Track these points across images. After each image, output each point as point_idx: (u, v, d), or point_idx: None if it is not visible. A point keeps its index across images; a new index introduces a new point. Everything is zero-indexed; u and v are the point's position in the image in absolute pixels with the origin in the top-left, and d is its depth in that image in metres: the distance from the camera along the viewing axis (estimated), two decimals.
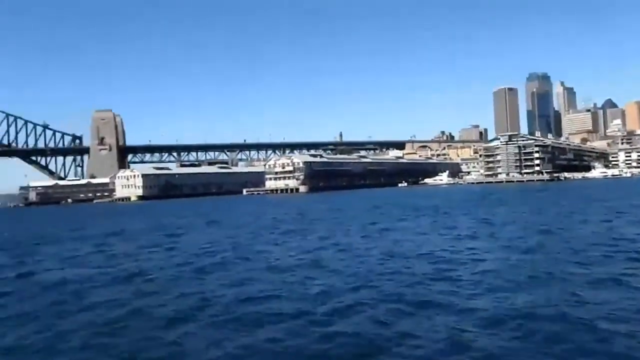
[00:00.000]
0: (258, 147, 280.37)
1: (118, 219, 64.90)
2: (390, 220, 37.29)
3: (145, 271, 18.80)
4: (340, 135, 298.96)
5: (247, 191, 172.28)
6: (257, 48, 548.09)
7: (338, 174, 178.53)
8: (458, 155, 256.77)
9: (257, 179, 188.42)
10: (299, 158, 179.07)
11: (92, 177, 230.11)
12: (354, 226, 33.46)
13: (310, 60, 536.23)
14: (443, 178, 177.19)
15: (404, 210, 48.76)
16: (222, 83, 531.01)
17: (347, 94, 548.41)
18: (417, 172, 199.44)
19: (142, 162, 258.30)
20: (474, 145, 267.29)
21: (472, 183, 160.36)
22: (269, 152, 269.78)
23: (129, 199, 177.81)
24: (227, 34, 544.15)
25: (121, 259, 23.19)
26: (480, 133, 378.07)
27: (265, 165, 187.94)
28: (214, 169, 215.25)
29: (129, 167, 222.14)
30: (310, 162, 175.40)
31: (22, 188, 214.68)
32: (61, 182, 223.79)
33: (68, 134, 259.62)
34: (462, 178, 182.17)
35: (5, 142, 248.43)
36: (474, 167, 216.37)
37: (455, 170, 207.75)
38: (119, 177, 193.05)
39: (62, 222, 63.19)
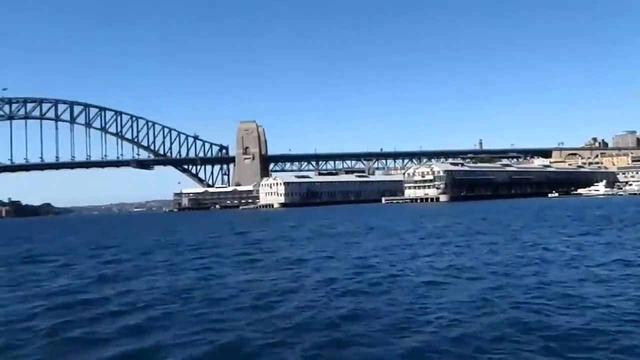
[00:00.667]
0: (395, 155, 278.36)
1: (278, 222, 66.62)
2: (583, 230, 33.60)
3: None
4: (480, 142, 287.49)
5: (386, 200, 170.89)
6: (387, 56, 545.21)
7: (481, 183, 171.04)
8: (614, 164, 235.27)
9: (395, 187, 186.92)
10: (440, 167, 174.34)
11: (238, 184, 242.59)
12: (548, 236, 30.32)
13: (446, 66, 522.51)
14: (599, 188, 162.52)
15: (583, 221, 44.15)
16: (354, 92, 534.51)
17: (487, 98, 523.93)
18: (567, 181, 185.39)
19: (282, 170, 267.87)
20: (632, 153, 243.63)
21: (635, 194, 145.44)
22: (406, 160, 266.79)
23: (272, 205, 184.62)
24: (361, 47, 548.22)
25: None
26: (638, 139, 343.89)
27: (404, 173, 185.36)
28: (352, 177, 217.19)
29: (270, 176, 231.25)
30: (451, 170, 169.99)
31: (175, 194, 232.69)
32: (210, 189, 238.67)
33: (216, 144, 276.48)
34: (621, 188, 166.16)
35: (161, 152, 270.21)
36: (632, 176, 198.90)
37: (611, 180, 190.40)
38: (262, 184, 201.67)
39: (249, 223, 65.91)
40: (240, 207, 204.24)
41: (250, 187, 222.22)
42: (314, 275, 19.12)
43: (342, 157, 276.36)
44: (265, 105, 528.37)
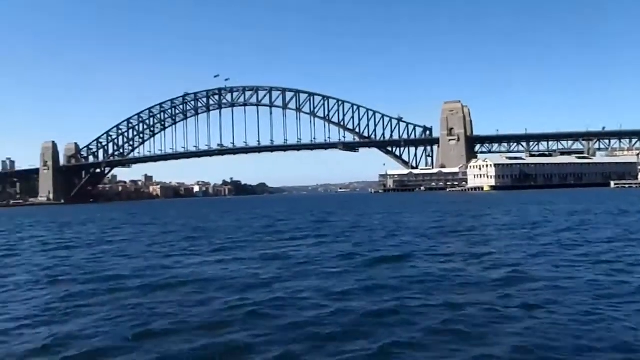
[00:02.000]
0: (620, 134, 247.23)
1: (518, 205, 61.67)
2: None
3: None
4: None
5: (615, 184, 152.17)
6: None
7: None
8: None
9: (624, 170, 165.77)
10: None
11: (442, 166, 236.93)
12: None
13: None
14: None
15: None
16: (569, 66, 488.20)
17: None
18: None
19: (489, 152, 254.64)
20: None
21: None
22: (634, 140, 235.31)
23: (481, 188, 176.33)
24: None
25: None
26: None
27: (638, 155, 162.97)
28: (571, 159, 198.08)
29: (476, 157, 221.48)
30: None
31: (381, 176, 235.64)
32: (414, 171, 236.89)
33: (419, 126, 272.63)
34: None
35: (365, 134, 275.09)
36: None
37: None
38: (471, 166, 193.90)
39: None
40: (448, 190, 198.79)
41: (456, 169, 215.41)
42: None
43: (557, 137, 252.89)
44: (471, 84, 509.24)
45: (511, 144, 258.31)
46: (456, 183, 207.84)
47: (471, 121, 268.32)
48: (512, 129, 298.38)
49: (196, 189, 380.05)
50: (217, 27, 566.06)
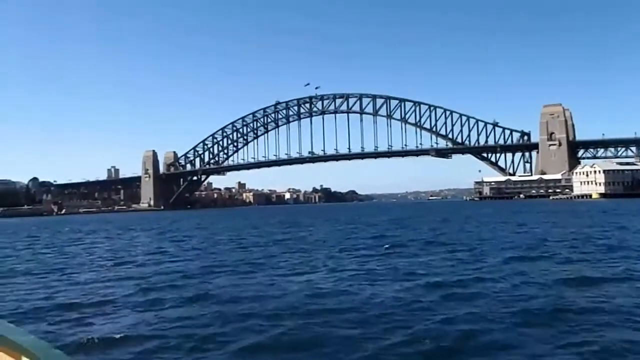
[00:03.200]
0: None
1: None
2: None
3: None
4: None
5: None
6: None
7: None
8: None
9: None
10: None
11: (542, 173, 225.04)
12: None
13: None
14: None
15: None
16: None
17: None
18: None
19: (594, 157, 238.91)
20: None
21: None
22: None
23: (589, 196, 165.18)
24: None
25: None
26: None
27: None
28: None
29: (579, 163, 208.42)
30: None
31: (476, 183, 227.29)
32: (512, 178, 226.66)
33: (516, 131, 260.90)
34: None
35: (459, 140, 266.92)
36: None
37: None
38: (576, 172, 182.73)
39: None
40: (551, 197, 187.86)
41: (558, 176, 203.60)
42: None
43: None
44: (572, 85, 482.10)
45: (619, 148, 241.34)
46: (558, 190, 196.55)
47: (573, 125, 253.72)
48: (619, 133, 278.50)
49: (287, 196, 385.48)
50: (306, 37, 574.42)
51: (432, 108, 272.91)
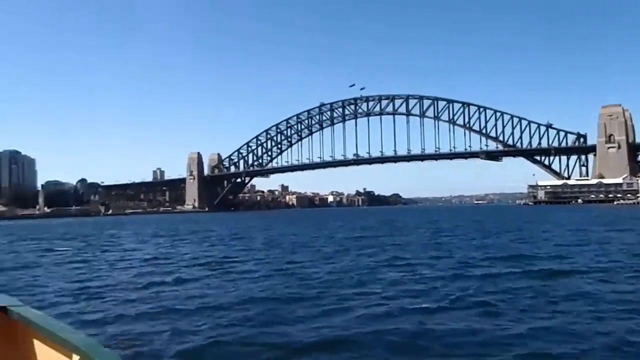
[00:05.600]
0: None
1: None
2: None
3: None
4: None
5: None
6: None
7: None
8: None
9: None
10: None
11: (600, 177, 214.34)
12: None
13: None
14: None
15: None
16: None
17: None
18: None
19: None
20: None
21: None
22: None
23: None
24: None
25: None
26: None
27: None
28: None
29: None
30: None
31: (530, 187, 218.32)
32: (569, 182, 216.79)
33: (572, 133, 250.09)
34: None
35: (510, 142, 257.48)
36: None
37: None
38: None
39: None
40: (615, 202, 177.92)
41: (619, 180, 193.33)
42: None
43: None
44: (631, 86, 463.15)
45: None
46: (619, 195, 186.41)
47: (633, 126, 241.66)
48: None
49: (330, 198, 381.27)
50: (351, 37, 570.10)
51: (481, 109, 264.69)
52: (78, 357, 2.52)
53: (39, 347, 2.89)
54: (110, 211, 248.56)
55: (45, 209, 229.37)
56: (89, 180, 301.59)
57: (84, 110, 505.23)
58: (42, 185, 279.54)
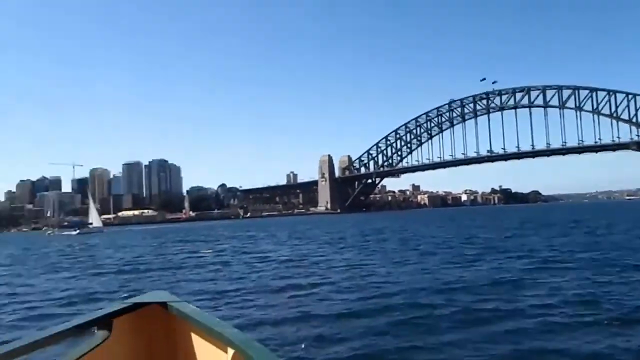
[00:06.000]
0: None
1: None
2: None
3: None
4: None
5: None
6: None
7: None
8: None
9: None
10: None
11: None
12: None
13: None
14: None
15: None
16: None
17: None
18: None
19: None
20: None
21: None
22: None
23: None
24: None
25: None
26: None
27: None
28: None
29: None
30: None
31: None
32: None
33: None
34: None
35: None
36: None
37: None
38: None
39: None
40: None
41: None
42: None
43: None
44: None
45: None
46: None
47: None
48: None
49: (463, 197, 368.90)
50: (480, 30, 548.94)
51: (630, 97, 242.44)
52: (233, 351, 2.66)
53: (196, 339, 3.10)
54: (248, 214, 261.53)
55: (191, 213, 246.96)
56: (228, 186, 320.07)
57: (221, 120, 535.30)
58: (187, 191, 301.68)
